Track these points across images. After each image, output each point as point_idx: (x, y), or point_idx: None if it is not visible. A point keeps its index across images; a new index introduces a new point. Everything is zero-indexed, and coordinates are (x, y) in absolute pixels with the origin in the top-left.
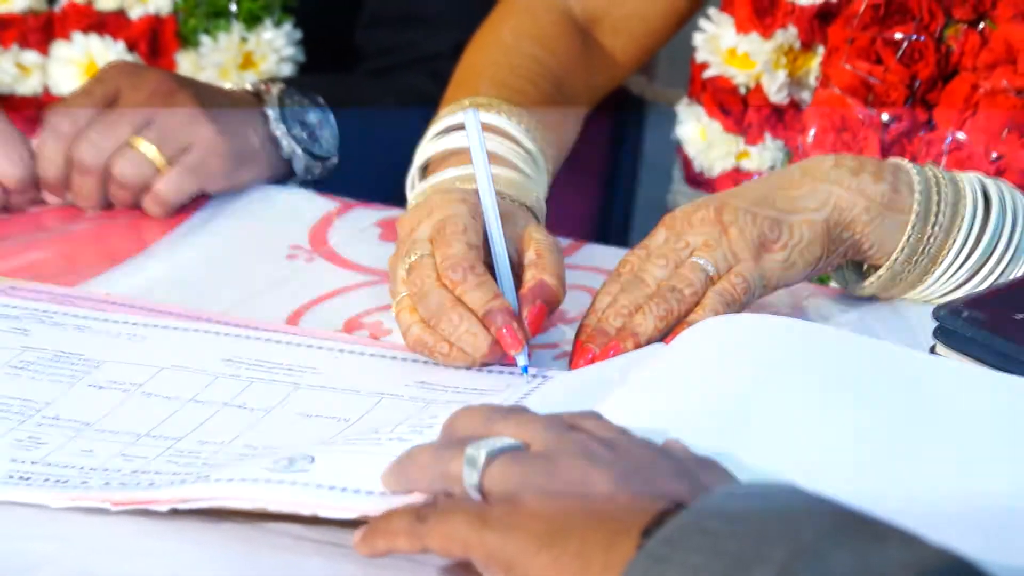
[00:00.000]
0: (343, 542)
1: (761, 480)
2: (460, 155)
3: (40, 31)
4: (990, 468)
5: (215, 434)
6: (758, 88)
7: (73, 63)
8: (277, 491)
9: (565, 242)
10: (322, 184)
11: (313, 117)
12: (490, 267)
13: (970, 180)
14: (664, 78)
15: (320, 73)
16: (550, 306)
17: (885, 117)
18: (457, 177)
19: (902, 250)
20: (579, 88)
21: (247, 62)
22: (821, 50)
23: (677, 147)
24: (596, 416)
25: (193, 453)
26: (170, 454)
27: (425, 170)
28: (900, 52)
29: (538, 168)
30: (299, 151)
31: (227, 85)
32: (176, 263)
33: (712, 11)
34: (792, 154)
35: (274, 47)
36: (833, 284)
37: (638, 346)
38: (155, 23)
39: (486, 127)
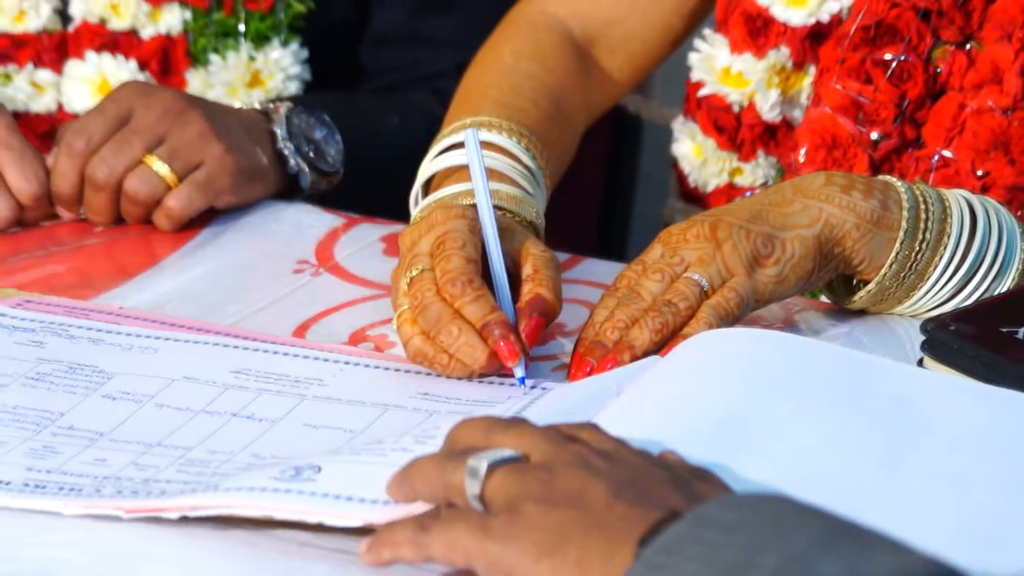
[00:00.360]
0: (348, 549)
1: (754, 490)
2: (462, 172)
3: (54, 50)
4: (976, 478)
5: (224, 444)
6: (751, 106)
7: (86, 81)
8: (284, 500)
9: (564, 256)
10: (328, 200)
11: (319, 135)
12: (489, 280)
13: (957, 198)
14: (660, 97)
15: (325, 91)
16: (546, 319)
17: (875, 135)
18: (458, 193)
19: (891, 265)
20: (577, 107)
21: (255, 80)
22: (813, 70)
23: (673, 164)
24: (594, 428)
25: (203, 462)
26: (181, 463)
27: (428, 186)
28: (889, 72)
29: (537, 184)
30: (305, 168)
31: (236, 103)
32: (186, 277)
33: (707, 32)
34: (784, 171)
35: (281, 66)
36: (824, 298)
37: (635, 358)
38: (166, 43)
39: (488, 145)
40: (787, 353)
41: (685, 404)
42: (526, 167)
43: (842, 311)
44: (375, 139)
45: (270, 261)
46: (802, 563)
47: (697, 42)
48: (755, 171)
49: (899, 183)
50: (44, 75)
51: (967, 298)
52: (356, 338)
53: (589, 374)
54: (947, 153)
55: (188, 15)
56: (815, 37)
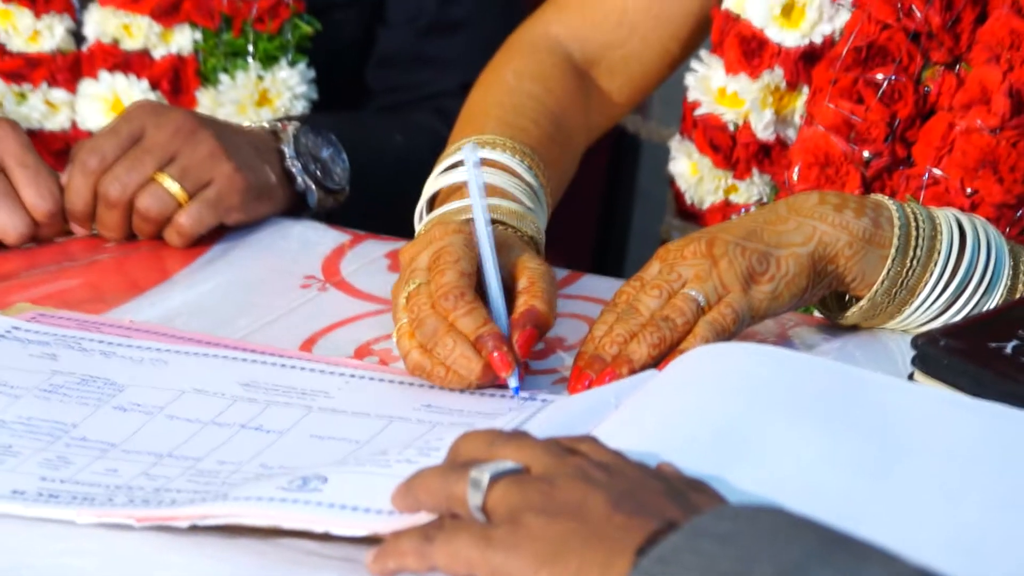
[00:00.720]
0: (353, 558)
1: (749, 502)
2: (465, 189)
3: (68, 70)
4: (966, 490)
5: (233, 455)
6: (746, 126)
7: (99, 100)
8: (291, 509)
9: (563, 273)
10: (334, 217)
11: (326, 154)
12: (485, 294)
13: (946, 216)
14: (658, 116)
15: (332, 110)
16: (540, 330)
17: (866, 154)
18: (458, 209)
19: (882, 282)
20: (578, 127)
21: (263, 99)
22: (806, 90)
23: (670, 182)
24: (593, 440)
25: (212, 473)
26: (190, 473)
27: (432, 204)
28: (880, 92)
29: (538, 201)
30: (312, 186)
31: (245, 122)
32: (196, 292)
33: (703, 53)
34: (778, 188)
35: (289, 85)
36: (817, 314)
37: (632, 372)
38: (177, 62)
39: (490, 163)
40: (781, 367)
41: (682, 417)
42: (528, 184)
43: (835, 326)
44: (380, 158)
45: (278, 277)
46: (796, 574)
47: (694, 63)
48: (750, 189)
49: (890, 202)
50: (58, 94)
51: (956, 314)
52: (361, 352)
53: (588, 387)
54: (937, 171)
55: (199, 36)
56: (808, 58)
